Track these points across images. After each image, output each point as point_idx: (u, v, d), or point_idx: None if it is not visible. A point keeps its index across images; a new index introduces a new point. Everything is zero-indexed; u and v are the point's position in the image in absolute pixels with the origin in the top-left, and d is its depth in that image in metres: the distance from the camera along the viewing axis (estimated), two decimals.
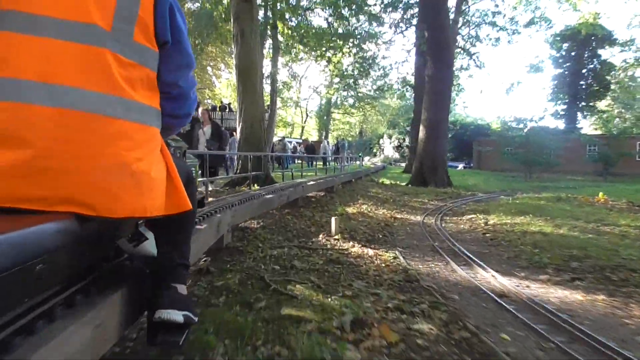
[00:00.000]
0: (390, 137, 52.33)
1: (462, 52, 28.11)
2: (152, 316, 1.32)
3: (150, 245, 1.48)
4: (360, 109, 60.28)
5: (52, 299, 1.04)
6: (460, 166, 35.18)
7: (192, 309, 1.40)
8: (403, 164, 46.30)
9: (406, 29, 26.14)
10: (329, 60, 27.88)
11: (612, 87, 32.88)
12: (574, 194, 11.33)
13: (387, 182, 15.43)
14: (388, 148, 52.65)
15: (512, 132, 24.78)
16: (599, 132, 30.50)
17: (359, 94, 58.77)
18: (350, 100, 58.84)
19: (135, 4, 1.15)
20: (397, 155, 50.35)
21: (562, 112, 35.08)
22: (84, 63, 1.05)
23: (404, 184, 14.97)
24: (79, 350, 1.02)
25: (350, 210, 7.39)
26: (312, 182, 8.08)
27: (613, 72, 32.46)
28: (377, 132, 59.45)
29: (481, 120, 44.10)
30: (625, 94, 31.49)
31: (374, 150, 55.54)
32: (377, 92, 40.14)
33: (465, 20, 26.54)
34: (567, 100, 34.33)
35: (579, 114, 34.45)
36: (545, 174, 23.66)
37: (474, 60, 29.47)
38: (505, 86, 34.71)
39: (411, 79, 28.07)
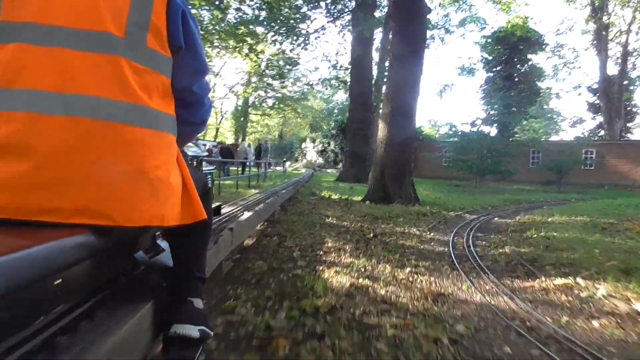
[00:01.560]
0: (313, 140, 49.13)
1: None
2: (167, 330, 1.29)
3: (166, 258, 1.48)
4: (280, 111, 57.09)
5: (69, 314, 0.99)
6: None
7: (208, 323, 1.38)
8: (329, 170, 43.35)
9: (341, 16, 22.86)
10: (251, 49, 23.80)
11: (542, 92, 32.43)
12: (606, 218, 8.38)
13: (335, 196, 11.78)
14: (311, 152, 49.39)
15: (463, 138, 22.40)
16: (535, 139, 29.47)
17: (279, 95, 55.67)
18: (270, 102, 55.49)
19: (147, 10, 1.14)
20: (321, 161, 47.22)
21: (495, 118, 34.05)
22: (99, 71, 1.04)
23: (357, 198, 11.38)
24: None
25: (335, 285, 3.58)
26: (246, 216, 4.17)
27: (543, 78, 31.99)
28: (299, 136, 56.06)
29: None
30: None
31: (296, 155, 52.02)
32: (307, 88, 36.86)
33: None
34: (497, 105, 33.32)
35: (512, 120, 33.62)
36: (491, 183, 21.61)
37: None
38: (438, 89, 32.55)
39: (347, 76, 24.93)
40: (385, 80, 25.36)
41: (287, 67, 24.75)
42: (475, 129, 24.26)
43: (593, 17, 29.00)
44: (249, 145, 28.16)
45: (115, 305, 1.15)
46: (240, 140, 44.02)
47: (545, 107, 34.51)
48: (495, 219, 9.09)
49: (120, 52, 1.06)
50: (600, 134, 27.08)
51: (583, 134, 27.08)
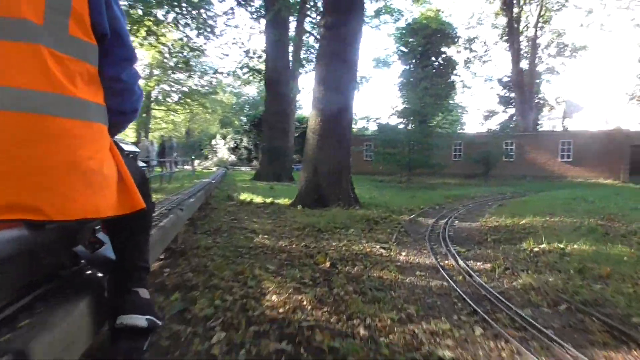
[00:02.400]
0: (224, 137, 45.98)
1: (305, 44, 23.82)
2: (113, 322, 1.28)
3: (107, 250, 1.45)
4: (187, 106, 53.43)
5: (5, 308, 1.00)
6: None
7: (156, 312, 1.38)
8: (243, 168, 40.64)
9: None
10: (150, 32, 20.63)
11: (456, 85, 32.68)
12: (584, 217, 7.12)
13: (258, 199, 9.62)
14: (222, 150, 46.23)
15: (389, 131, 21.15)
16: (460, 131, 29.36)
17: (185, 89, 51.84)
18: (175, 96, 51.43)
19: None
20: (233, 158, 44.28)
21: (411, 110, 33.74)
22: (18, 61, 1.00)
23: (284, 201, 9.34)
24: None
25: None
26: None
27: (456, 71, 32.25)
28: (209, 132, 52.51)
29: None
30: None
31: (205, 153, 48.50)
32: (216, 80, 33.70)
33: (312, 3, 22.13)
34: (414, 98, 33.05)
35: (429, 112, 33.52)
36: (418, 178, 20.68)
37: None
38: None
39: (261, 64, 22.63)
40: (303, 67, 23.61)
41: (193, 55, 21.79)
42: (394, 123, 23.38)
43: (504, 10, 29.63)
44: (152, 143, 24.91)
45: (53, 300, 1.13)
46: (142, 137, 39.86)
47: (457, 101, 34.91)
48: (456, 222, 7.55)
49: (39, 39, 1.03)
50: (511, 126, 27.56)
51: (497, 126, 27.35)
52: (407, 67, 33.24)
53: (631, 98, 31.61)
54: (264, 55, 21.37)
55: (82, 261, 1.44)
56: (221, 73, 22.96)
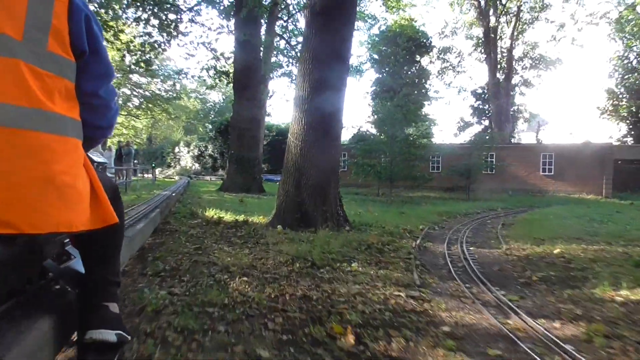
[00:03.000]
0: (188, 144, 43.79)
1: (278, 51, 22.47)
2: (82, 337, 1.27)
3: (77, 264, 1.44)
4: (149, 111, 51.05)
5: None
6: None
7: (125, 327, 1.37)
8: (208, 177, 38.57)
9: None
10: (107, 27, 18.67)
11: (430, 95, 31.95)
12: (618, 244, 5.95)
13: (227, 217, 8.05)
14: (186, 157, 43.98)
15: (370, 141, 19.86)
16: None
17: (147, 93, 49.52)
18: (136, 101, 48.95)
19: (47, 13, 1.11)
20: (197, 167, 42.12)
21: (384, 119, 32.79)
22: None
23: (259, 219, 7.84)
24: None
25: None
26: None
27: (429, 81, 31.54)
28: (171, 139, 50.09)
29: None
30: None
31: (168, 160, 46.09)
32: (179, 80, 31.68)
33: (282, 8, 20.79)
34: (387, 106, 32.15)
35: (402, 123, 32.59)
36: (396, 190, 19.48)
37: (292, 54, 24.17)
38: None
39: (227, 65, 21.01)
40: (274, 71, 22.13)
41: (154, 53, 19.92)
42: (368, 132, 22.24)
43: (480, 20, 29.18)
44: (110, 148, 22.75)
45: (18, 316, 1.12)
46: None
47: (428, 112, 34.25)
48: (472, 249, 6.24)
49: (18, 55, 1.04)
50: (487, 138, 26.92)
51: (472, 137, 26.61)
52: (380, 76, 32.30)
53: (602, 112, 31.77)
54: (232, 57, 19.81)
55: (50, 275, 1.41)
56: (185, 74, 21.03)
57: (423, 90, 32.42)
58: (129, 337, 1.37)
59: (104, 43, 1.34)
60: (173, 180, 31.65)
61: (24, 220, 1.00)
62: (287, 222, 7.06)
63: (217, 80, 21.06)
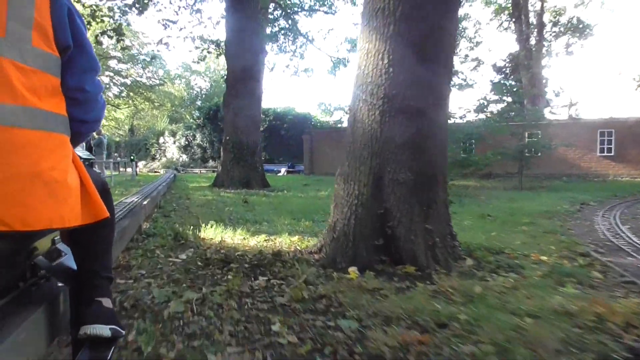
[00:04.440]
0: (174, 134, 39.90)
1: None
2: (76, 333, 1.28)
3: (69, 261, 1.46)
4: (130, 100, 47.18)
5: None
6: (283, 170, 25.75)
7: (119, 322, 1.38)
8: (197, 170, 34.83)
9: None
10: None
11: None
12: None
13: (238, 238, 4.53)
14: (172, 148, 40.14)
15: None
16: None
17: (128, 81, 45.81)
18: (115, 90, 45.08)
19: (29, 8, 1.11)
20: (185, 158, 38.31)
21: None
22: None
23: (294, 242, 4.39)
24: None
25: None
26: None
27: None
28: (156, 129, 46.12)
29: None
30: None
31: (152, 152, 42.22)
32: (158, 52, 27.99)
33: None
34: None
35: None
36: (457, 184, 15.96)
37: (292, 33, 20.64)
38: (329, 64, 26.52)
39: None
40: (275, 38, 18.49)
41: (124, 18, 16.20)
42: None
43: None
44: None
45: (7, 312, 1.13)
46: None
47: None
48: None
49: (2, 52, 1.03)
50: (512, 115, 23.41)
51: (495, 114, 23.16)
52: None
53: None
54: (222, 22, 16.15)
55: (42, 272, 1.42)
56: (166, 44, 17.30)
57: None
58: (123, 332, 1.38)
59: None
60: (158, 174, 27.98)
61: (15, 217, 0.99)
62: (360, 255, 3.63)
63: (205, 52, 17.36)
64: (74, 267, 1.42)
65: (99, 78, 1.40)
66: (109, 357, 1.28)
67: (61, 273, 1.44)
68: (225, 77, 15.68)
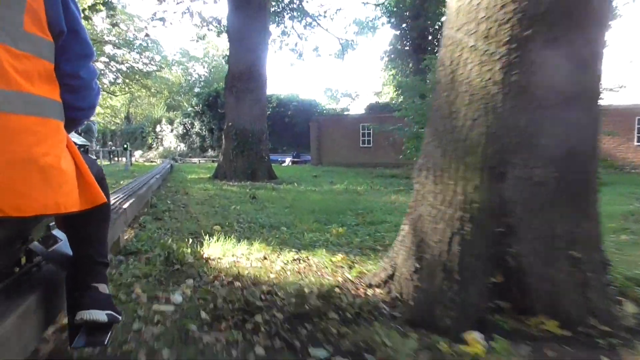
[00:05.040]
0: (171, 122, 38.28)
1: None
2: (72, 318, 1.29)
3: (64, 246, 1.47)
4: (126, 87, 45.67)
5: None
6: (288, 160, 24.22)
7: (115, 307, 1.37)
8: (195, 160, 33.32)
9: None
10: None
11: None
12: None
13: (258, 268, 3.05)
14: (169, 137, 38.56)
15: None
16: None
17: (124, 68, 44.26)
18: (111, 76, 43.51)
19: None
20: (183, 147, 36.76)
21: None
22: None
23: (337, 267, 3.10)
24: None
25: None
26: None
27: None
28: (152, 117, 44.52)
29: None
30: None
31: (149, 141, 40.63)
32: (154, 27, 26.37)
33: None
34: (411, 70, 26.97)
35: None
36: None
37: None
38: (337, 47, 24.97)
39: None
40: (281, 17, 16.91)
41: None
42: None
43: None
44: None
45: (2, 298, 1.13)
46: None
47: None
48: None
49: None
50: None
51: None
52: (398, 33, 27.06)
53: None
54: None
55: (38, 257, 1.43)
56: (161, 19, 15.63)
57: None
58: (120, 317, 1.37)
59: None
60: (154, 164, 26.47)
61: (8, 203, 0.99)
62: (470, 302, 2.20)
63: (204, 27, 15.76)
64: (70, 253, 1.42)
65: (93, 64, 1.37)
66: (105, 342, 1.29)
67: (57, 259, 1.44)
68: (227, 57, 14.14)
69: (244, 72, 12.95)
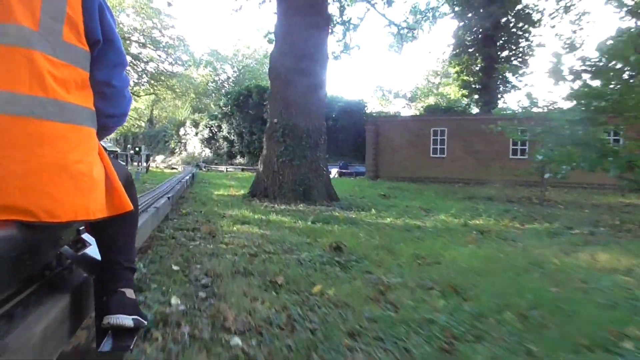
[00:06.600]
0: (196, 124, 34.83)
1: None
2: (100, 323, 1.30)
3: (93, 251, 1.48)
4: (151, 88, 42.87)
5: None
6: (334, 172, 20.06)
7: (141, 312, 1.40)
8: (222, 168, 29.64)
9: None
10: None
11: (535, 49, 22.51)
12: None
13: None
14: (193, 141, 35.13)
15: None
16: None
17: (150, 69, 41.60)
18: (135, 76, 40.85)
19: (62, 3, 1.12)
20: (208, 153, 33.21)
21: (474, 85, 23.50)
22: (12, 65, 1.02)
23: None
24: None
25: None
26: None
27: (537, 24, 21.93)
28: (175, 119, 41.33)
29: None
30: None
31: (172, 146, 37.33)
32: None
33: None
34: (478, 68, 22.77)
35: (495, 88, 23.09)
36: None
37: None
38: (391, 38, 21.00)
39: None
40: None
41: None
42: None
43: None
44: None
45: (34, 301, 1.14)
46: None
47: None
48: None
49: (35, 45, 1.04)
50: None
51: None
52: (464, 24, 22.85)
53: None
54: None
55: (68, 261, 1.44)
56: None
57: (520, 45, 22.92)
58: (146, 322, 1.39)
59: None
60: (175, 171, 22.90)
61: (42, 208, 0.99)
62: None
63: None
64: (99, 257, 1.43)
65: (126, 73, 1.39)
66: (131, 347, 1.29)
67: (86, 263, 1.45)
68: (273, 32, 10.35)
69: (296, 45, 9.08)
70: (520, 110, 9.53)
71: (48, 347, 1.05)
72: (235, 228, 5.36)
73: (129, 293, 1.37)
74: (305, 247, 4.36)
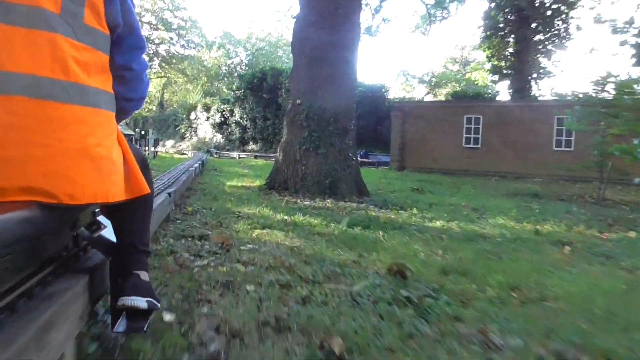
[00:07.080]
0: (207, 109, 33.62)
1: None
2: (115, 304, 1.31)
3: (109, 233, 1.48)
4: (163, 71, 41.98)
5: (11, 292, 0.96)
6: None
7: (155, 295, 1.39)
8: (234, 154, 28.46)
9: None
10: None
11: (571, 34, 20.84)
12: None
13: None
14: (204, 126, 33.99)
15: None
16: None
17: (162, 51, 40.77)
18: (146, 58, 40.02)
19: None
20: (219, 138, 32.04)
21: (506, 71, 21.99)
22: (35, 48, 0.99)
23: None
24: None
25: None
26: None
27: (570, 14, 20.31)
28: (186, 102, 40.19)
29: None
30: None
31: (182, 130, 36.25)
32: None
33: None
34: (511, 52, 21.21)
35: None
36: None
37: None
38: (418, 19, 19.57)
39: None
40: None
41: None
42: None
43: None
44: None
45: (51, 281, 1.15)
46: None
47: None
48: None
49: (56, 28, 1.02)
50: None
51: None
52: (496, 3, 21.21)
53: None
54: None
55: (84, 243, 1.45)
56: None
57: (555, 28, 21.27)
58: (159, 305, 1.38)
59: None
60: (184, 157, 21.79)
61: (63, 191, 0.99)
62: None
63: None
64: (114, 239, 1.43)
65: (144, 57, 1.38)
66: (144, 328, 1.30)
67: (102, 245, 1.46)
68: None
69: (325, 13, 7.78)
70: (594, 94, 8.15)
71: (65, 326, 1.05)
72: (255, 235, 4.15)
73: (144, 275, 1.38)
74: (355, 271, 3.13)
